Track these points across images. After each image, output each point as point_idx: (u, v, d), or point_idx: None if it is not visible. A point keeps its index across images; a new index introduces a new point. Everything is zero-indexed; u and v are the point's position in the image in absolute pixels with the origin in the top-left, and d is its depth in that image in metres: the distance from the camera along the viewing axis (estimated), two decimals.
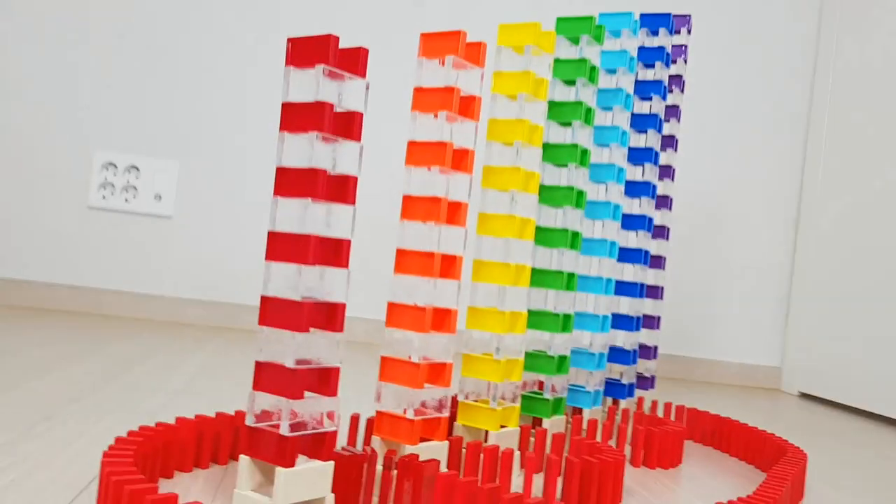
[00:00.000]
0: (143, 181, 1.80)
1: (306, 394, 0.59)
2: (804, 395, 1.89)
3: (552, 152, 0.90)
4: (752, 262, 1.96)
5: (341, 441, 0.84)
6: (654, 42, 1.15)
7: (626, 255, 1.11)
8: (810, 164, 1.94)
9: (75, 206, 1.78)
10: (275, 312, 0.58)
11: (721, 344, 1.95)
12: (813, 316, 1.86)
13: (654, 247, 1.19)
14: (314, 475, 0.58)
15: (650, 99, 1.14)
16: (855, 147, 1.79)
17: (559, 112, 0.91)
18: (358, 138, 0.60)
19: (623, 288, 1.11)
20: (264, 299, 0.59)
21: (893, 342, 1.58)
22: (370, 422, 0.77)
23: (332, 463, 0.60)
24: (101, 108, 1.79)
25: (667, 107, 1.21)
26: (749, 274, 1.96)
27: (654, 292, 1.19)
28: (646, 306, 1.19)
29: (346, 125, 0.59)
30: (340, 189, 0.59)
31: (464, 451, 0.75)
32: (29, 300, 1.75)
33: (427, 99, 0.72)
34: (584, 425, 0.94)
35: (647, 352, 1.19)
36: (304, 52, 0.58)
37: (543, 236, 0.90)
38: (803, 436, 1.30)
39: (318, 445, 0.59)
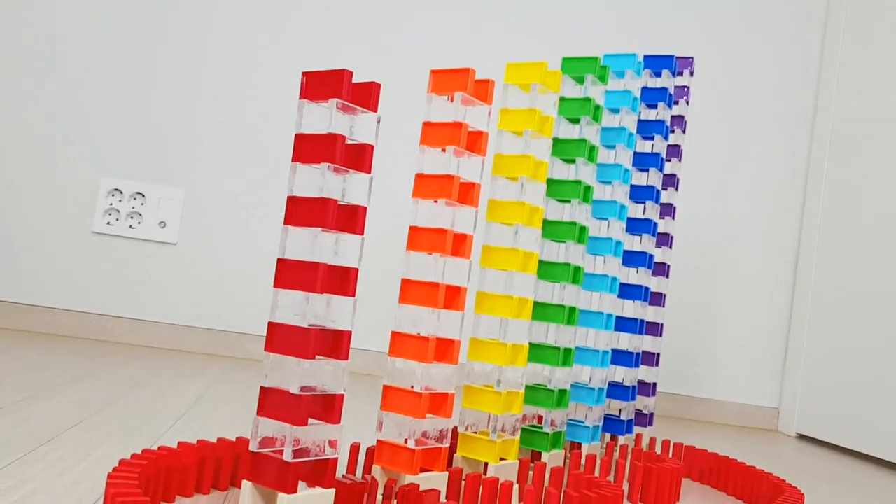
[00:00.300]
0: (149, 208, 1.82)
1: (310, 421, 0.59)
2: (802, 437, 1.88)
3: (556, 188, 0.92)
4: (751, 303, 1.97)
5: (341, 469, 0.84)
6: (657, 83, 1.18)
7: (627, 291, 1.12)
8: (809, 206, 1.95)
9: (80, 232, 1.79)
10: (281, 339, 0.59)
11: (720, 384, 1.95)
12: (811, 358, 1.86)
13: (654, 284, 1.20)
14: (315, 502, 0.59)
15: (652, 138, 1.16)
16: (854, 191, 1.81)
17: (563, 149, 0.93)
18: (368, 170, 0.61)
19: (623, 324, 1.11)
20: (271, 325, 0.60)
21: (889, 386, 1.59)
22: (370, 451, 0.77)
23: (333, 490, 0.60)
24: (108, 135, 1.81)
25: (669, 146, 1.23)
26: (748, 314, 1.97)
27: (654, 329, 1.20)
28: (645, 343, 1.20)
29: (357, 157, 0.61)
30: (350, 219, 0.61)
31: (463, 482, 0.75)
32: (31, 324, 1.75)
33: (435, 133, 0.73)
34: (583, 460, 0.95)
35: (646, 388, 1.20)
36: (319, 85, 0.60)
37: (546, 270, 0.91)
38: (800, 476, 1.30)
39: (320, 472, 0.60)
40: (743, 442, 1.64)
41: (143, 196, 1.82)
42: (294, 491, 0.57)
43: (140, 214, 1.82)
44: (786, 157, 1.99)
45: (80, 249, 1.79)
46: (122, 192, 1.81)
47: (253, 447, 0.59)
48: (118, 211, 1.81)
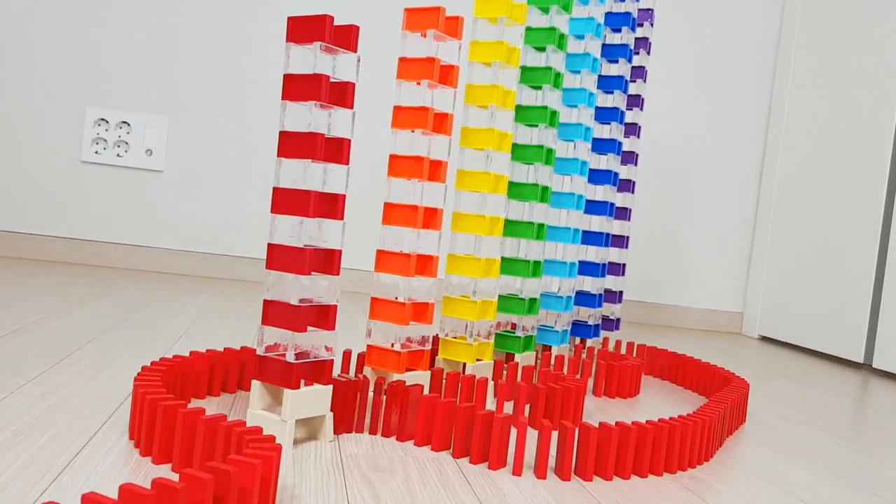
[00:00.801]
0: (135, 136, 1.87)
1: (308, 328, 0.68)
2: (764, 339, 2.02)
3: (524, 114, 0.99)
4: (716, 214, 2.07)
5: (336, 370, 0.94)
6: (620, 7, 1.24)
7: (593, 207, 1.21)
8: (774, 121, 2.03)
9: (70, 161, 1.85)
10: (280, 258, 0.67)
11: (686, 291, 2.07)
12: (773, 265, 1.98)
13: (619, 199, 1.29)
14: (316, 396, 0.68)
15: (617, 62, 1.22)
16: (815, 105, 1.89)
17: (530, 77, 0.99)
18: (351, 106, 0.69)
19: (590, 237, 1.21)
20: (271, 246, 0.68)
21: (845, 290, 1.70)
22: (360, 356, 0.87)
23: (331, 386, 0.69)
24: (92, 65, 1.84)
25: (633, 68, 1.30)
26: (714, 225, 2.07)
27: (620, 241, 1.29)
28: (612, 254, 1.30)
29: (341, 94, 0.68)
30: (336, 150, 0.68)
31: (444, 380, 0.85)
32: (28, 252, 1.82)
33: (410, 68, 0.80)
34: (552, 360, 1.05)
35: (613, 296, 1.30)
36: (303, 29, 0.67)
37: (516, 191, 0.99)
38: (756, 372, 1.43)
39: (319, 372, 0.69)
40: (707, 344, 1.76)
41: (129, 125, 1.86)
42: (297, 387, 0.66)
43: (126, 143, 1.87)
44: (751, 75, 2.06)
45: (71, 179, 1.85)
46: (107, 122, 1.86)
47: (260, 352, 0.68)
48: (105, 140, 1.86)
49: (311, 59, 0.67)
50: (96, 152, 1.86)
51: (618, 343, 1.27)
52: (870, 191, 1.66)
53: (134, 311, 1.27)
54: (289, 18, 0.67)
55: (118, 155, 1.86)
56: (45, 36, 1.83)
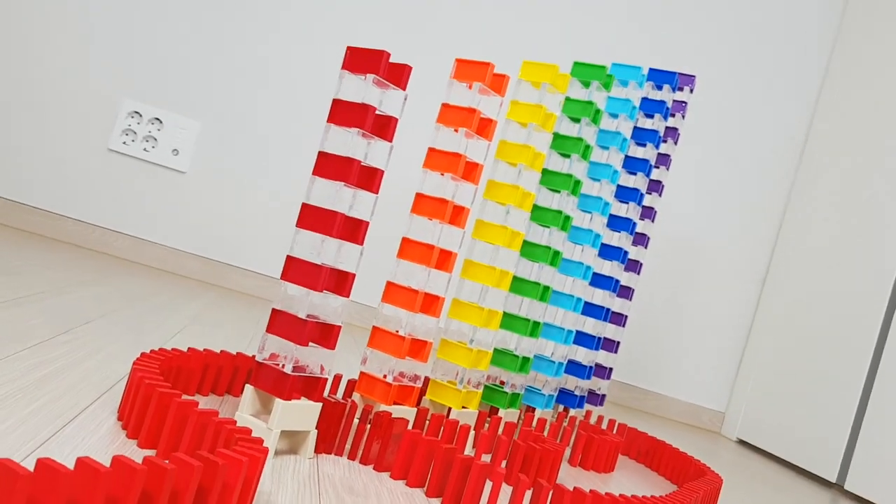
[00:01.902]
0: (164, 134, 1.90)
1: (310, 343, 0.70)
2: (742, 442, 2.02)
3: (549, 178, 1.02)
4: (715, 310, 2.09)
5: (327, 391, 0.95)
6: (657, 95, 1.28)
7: (599, 280, 1.23)
8: (784, 235, 2.07)
9: (97, 147, 1.88)
10: (297, 271, 0.69)
11: (673, 381, 2.08)
12: (762, 371, 1.99)
13: (625, 278, 1.31)
14: (305, 411, 0.69)
15: (645, 145, 1.26)
16: (826, 226, 1.92)
17: (561, 144, 1.03)
18: (391, 139, 0.71)
19: (590, 309, 1.22)
20: (289, 258, 0.70)
21: (829, 410, 1.71)
22: (350, 382, 0.88)
23: (320, 404, 0.71)
24: (134, 59, 1.89)
25: (659, 154, 1.33)
26: (710, 320, 2.09)
27: (618, 319, 1.31)
28: (608, 330, 1.31)
29: (383, 127, 0.71)
30: (369, 179, 0.71)
31: (428, 419, 0.86)
32: (40, 227, 1.84)
33: (451, 115, 0.83)
34: (535, 422, 1.06)
35: (603, 371, 1.31)
36: (360, 60, 0.70)
37: (529, 250, 1.02)
38: (730, 473, 1.43)
39: (312, 388, 0.70)
40: (685, 438, 1.77)
41: (161, 122, 1.90)
42: (289, 399, 0.68)
43: (155, 139, 1.90)
44: (770, 182, 2.10)
45: (93, 164, 1.88)
46: (140, 116, 1.89)
47: (259, 358, 0.70)
48: (135, 133, 1.89)
49: (361, 89, 0.70)
50: (124, 143, 1.89)
51: (600, 418, 1.28)
52: (866, 319, 1.68)
53: (133, 302, 1.28)
54: (348, 48, 0.70)
55: (145, 149, 1.90)
56: (99, 20, 1.88)
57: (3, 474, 0.37)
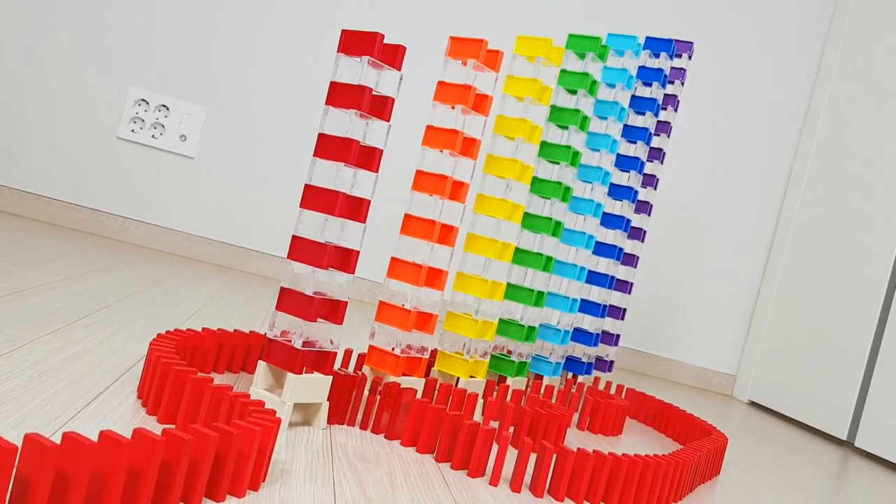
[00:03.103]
0: (172, 121, 1.93)
1: (318, 319, 0.72)
2: (753, 404, 2.04)
3: (548, 150, 1.04)
4: (723, 276, 2.10)
5: (337, 365, 0.98)
6: (654, 63, 1.29)
7: (602, 249, 1.25)
8: (790, 196, 2.08)
9: (105, 136, 1.91)
10: (302, 250, 0.72)
11: (683, 346, 2.10)
12: (772, 333, 2.01)
13: (629, 246, 1.33)
14: (316, 384, 0.72)
15: (644, 114, 1.27)
16: (834, 185, 1.93)
17: (559, 116, 1.04)
18: (388, 119, 0.73)
19: (594, 278, 1.24)
20: (295, 238, 0.72)
21: (838, 368, 1.73)
22: (360, 356, 0.91)
23: (331, 377, 0.74)
24: (140, 46, 1.91)
25: (658, 122, 1.34)
26: (719, 286, 2.10)
27: (623, 286, 1.33)
28: (613, 298, 1.33)
29: (380, 107, 0.73)
30: (368, 158, 0.73)
31: (437, 389, 0.89)
32: (54, 217, 1.88)
33: (447, 92, 0.85)
34: (542, 389, 1.09)
35: (610, 338, 1.33)
36: (355, 42, 0.72)
37: (530, 222, 1.04)
38: (740, 433, 1.45)
39: (322, 362, 0.73)
40: (696, 401, 1.79)
41: (168, 109, 1.92)
42: (300, 372, 0.70)
43: (163, 126, 1.93)
44: (774, 147, 2.11)
45: (103, 153, 1.91)
46: (148, 103, 1.92)
47: (270, 335, 0.73)
48: (143, 120, 1.92)
49: (357, 70, 0.72)
50: (132, 131, 1.92)
51: (608, 384, 1.31)
52: (873, 277, 1.70)
53: (149, 287, 1.32)
54: (343, 31, 0.72)
55: (153, 136, 1.92)
56: (104, 12, 1.90)
57: (32, 447, 0.40)
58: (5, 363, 0.70)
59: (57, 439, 0.56)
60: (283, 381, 0.73)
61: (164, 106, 1.92)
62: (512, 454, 0.83)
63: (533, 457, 0.84)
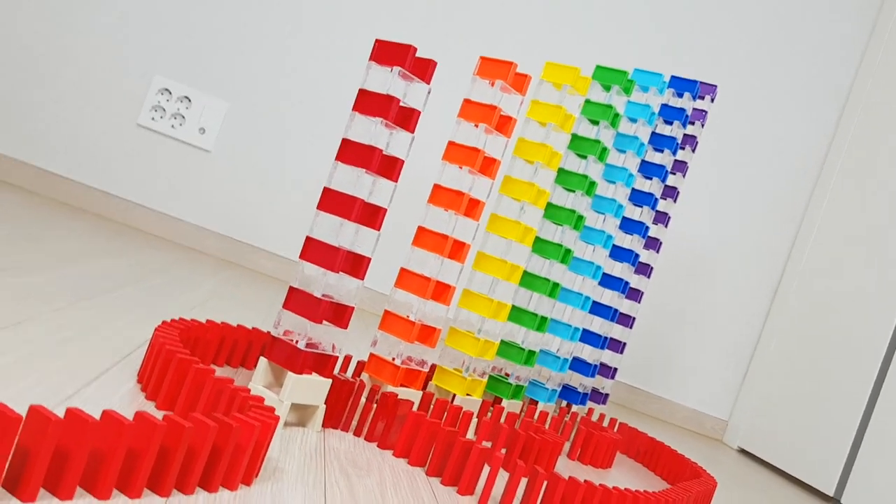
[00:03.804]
0: (193, 112, 1.94)
1: (324, 322, 0.73)
2: (742, 451, 2.03)
3: (565, 177, 1.04)
4: (725, 319, 2.10)
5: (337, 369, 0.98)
6: (677, 103, 1.29)
7: (608, 281, 1.25)
8: (798, 249, 2.08)
9: (126, 121, 1.92)
10: (315, 252, 0.72)
11: (678, 386, 2.10)
12: (767, 382, 2.00)
13: (634, 280, 1.33)
14: (315, 386, 0.72)
15: (662, 151, 1.28)
16: (844, 241, 1.93)
17: (579, 145, 1.05)
18: (412, 130, 0.74)
19: (598, 309, 1.25)
20: (309, 239, 0.73)
21: (831, 423, 1.73)
22: (360, 363, 0.91)
23: (330, 381, 0.74)
24: (168, 35, 1.93)
25: (676, 161, 1.35)
26: (721, 329, 2.10)
27: (626, 321, 1.33)
28: (615, 331, 1.33)
29: (406, 118, 0.74)
30: (389, 167, 0.73)
31: (432, 404, 0.89)
32: (65, 196, 1.88)
33: (472, 110, 0.86)
34: (536, 414, 1.09)
35: (607, 371, 1.33)
36: (387, 53, 0.73)
37: (540, 246, 1.04)
38: (728, 479, 1.45)
39: (323, 365, 0.73)
40: (686, 443, 1.78)
41: (190, 100, 1.94)
42: (301, 373, 0.71)
43: (183, 117, 1.94)
44: (787, 196, 2.11)
45: (121, 137, 1.92)
46: (170, 93, 1.93)
47: (274, 333, 0.73)
48: (164, 109, 1.93)
49: (387, 80, 0.72)
50: (153, 119, 1.93)
51: (601, 416, 1.30)
52: (873, 335, 1.70)
53: (153, 274, 1.32)
54: (376, 41, 0.73)
55: (172, 126, 1.93)
56: (132, 0, 1.92)
57: (36, 419, 0.41)
58: (6, 337, 0.70)
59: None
60: (282, 379, 0.74)
61: (186, 97, 1.94)
62: (503, 476, 0.83)
63: (524, 481, 0.84)
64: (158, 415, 0.62)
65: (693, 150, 1.37)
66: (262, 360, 0.73)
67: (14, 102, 1.90)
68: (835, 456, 1.68)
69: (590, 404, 1.32)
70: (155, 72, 1.92)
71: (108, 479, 0.44)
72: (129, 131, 1.92)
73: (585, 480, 0.73)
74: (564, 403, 1.26)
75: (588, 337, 1.25)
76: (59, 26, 1.90)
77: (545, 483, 0.73)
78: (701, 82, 1.32)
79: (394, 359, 0.85)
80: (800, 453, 1.79)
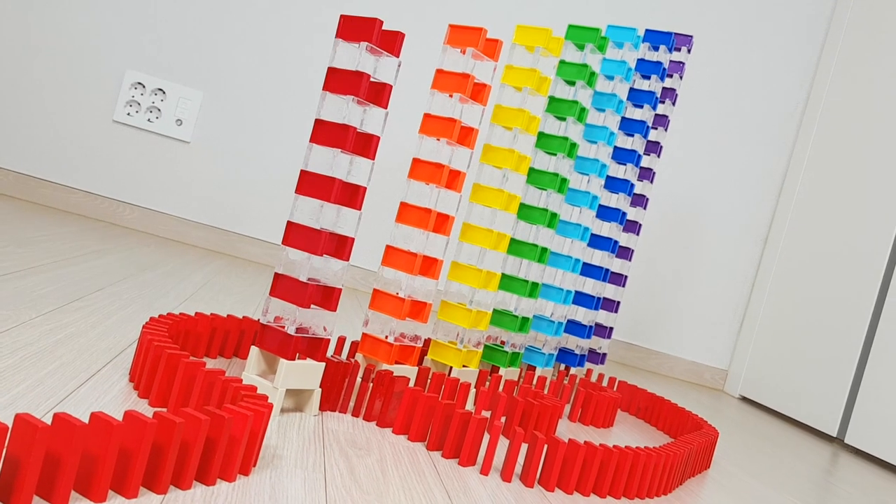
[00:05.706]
0: (168, 105, 1.92)
1: (312, 306, 0.72)
2: (744, 399, 2.05)
3: (545, 141, 1.04)
4: (718, 270, 2.11)
5: (330, 352, 0.97)
6: (653, 56, 1.28)
7: (597, 241, 1.25)
8: (786, 192, 2.08)
9: (101, 119, 1.90)
10: (297, 236, 0.71)
11: (676, 340, 2.11)
12: (764, 329, 2.01)
13: (623, 239, 1.33)
14: (308, 371, 0.72)
15: (642, 107, 1.27)
16: (830, 182, 1.93)
17: (556, 107, 1.04)
18: (385, 106, 0.73)
19: (589, 270, 1.24)
20: (290, 224, 0.72)
21: (830, 365, 1.74)
22: (353, 343, 0.91)
23: (323, 364, 0.73)
24: (139, 30, 1.90)
25: (656, 116, 1.34)
26: (714, 280, 2.11)
27: (618, 279, 1.33)
28: (608, 291, 1.33)
29: (378, 94, 0.73)
30: (365, 145, 0.72)
31: (429, 378, 0.89)
32: (48, 199, 1.87)
33: (445, 81, 0.85)
34: (535, 380, 1.09)
35: (603, 331, 1.34)
36: (353, 28, 0.71)
37: (526, 213, 1.04)
38: (731, 428, 1.46)
39: (315, 348, 0.73)
40: (687, 395, 1.80)
41: (164, 93, 1.91)
42: (293, 358, 0.70)
43: (159, 110, 1.92)
44: (771, 143, 2.11)
45: (99, 136, 1.90)
46: (144, 87, 1.91)
47: (263, 320, 0.72)
48: (139, 104, 1.91)
49: (356, 56, 0.71)
50: (128, 114, 1.91)
51: (600, 376, 1.31)
52: (867, 275, 1.70)
53: (142, 270, 1.31)
54: (341, 16, 0.72)
55: (149, 120, 1.91)
56: None
57: (23, 427, 0.40)
58: None
59: (48, 420, 0.55)
60: (275, 366, 0.73)
61: (160, 90, 1.91)
62: (503, 444, 0.83)
63: (524, 447, 0.84)
64: (151, 412, 0.62)
65: (673, 104, 1.36)
66: (254, 350, 0.73)
67: None
68: (836, 396, 1.70)
69: (588, 365, 1.33)
70: (126, 66, 1.90)
71: (103, 482, 0.44)
72: (106, 129, 1.90)
73: (586, 441, 0.73)
74: (563, 366, 1.26)
75: (581, 299, 1.25)
76: (23, 30, 1.87)
77: (545, 447, 0.73)
78: (676, 34, 1.31)
79: (386, 337, 0.85)
80: (801, 397, 1.80)
